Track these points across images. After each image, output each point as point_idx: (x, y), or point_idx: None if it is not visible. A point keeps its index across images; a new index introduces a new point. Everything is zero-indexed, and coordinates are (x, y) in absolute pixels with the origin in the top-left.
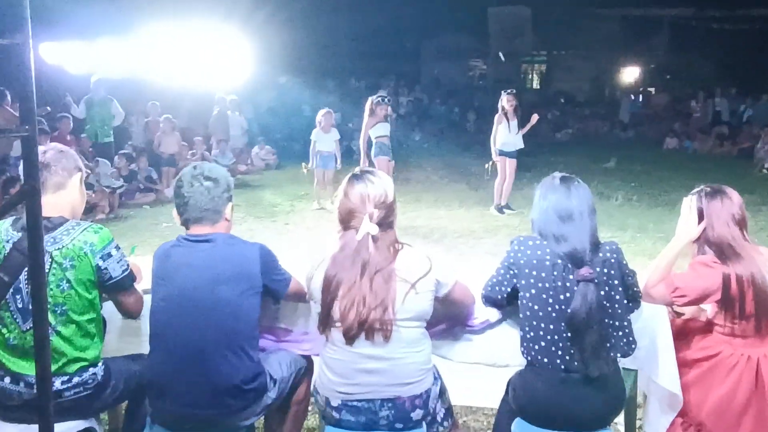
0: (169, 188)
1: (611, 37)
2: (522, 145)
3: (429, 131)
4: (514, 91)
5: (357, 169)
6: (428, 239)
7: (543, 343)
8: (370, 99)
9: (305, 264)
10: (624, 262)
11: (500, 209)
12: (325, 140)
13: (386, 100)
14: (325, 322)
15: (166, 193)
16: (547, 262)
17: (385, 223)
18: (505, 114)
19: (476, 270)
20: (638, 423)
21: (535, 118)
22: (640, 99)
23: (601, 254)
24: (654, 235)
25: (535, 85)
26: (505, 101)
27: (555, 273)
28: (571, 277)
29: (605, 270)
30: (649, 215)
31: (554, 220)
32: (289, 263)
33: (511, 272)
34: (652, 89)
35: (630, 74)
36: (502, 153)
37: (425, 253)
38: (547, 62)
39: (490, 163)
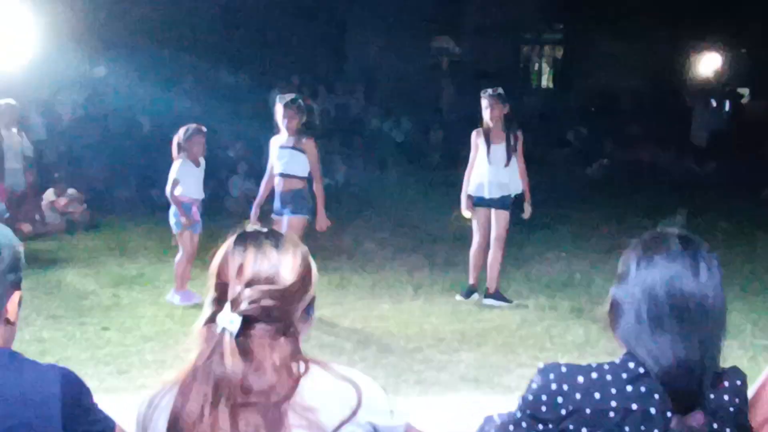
0: None
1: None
2: (519, 188)
3: (360, 162)
4: (500, 90)
5: (251, 225)
6: (360, 353)
7: None
8: (280, 102)
9: (140, 401)
10: (745, 413)
11: (469, 293)
12: (194, 179)
13: (294, 101)
14: None
15: None
16: (612, 414)
17: (271, 320)
18: (486, 132)
19: (445, 408)
20: None
21: (527, 211)
22: (727, 107)
23: (726, 390)
24: (755, 343)
25: (546, 81)
26: (484, 107)
27: (626, 429)
28: None
29: (719, 429)
30: (746, 308)
31: (666, 315)
32: (110, 406)
33: (540, 428)
34: (745, 90)
35: (708, 64)
36: (480, 202)
37: (351, 378)
38: (565, 44)
39: (453, 217)
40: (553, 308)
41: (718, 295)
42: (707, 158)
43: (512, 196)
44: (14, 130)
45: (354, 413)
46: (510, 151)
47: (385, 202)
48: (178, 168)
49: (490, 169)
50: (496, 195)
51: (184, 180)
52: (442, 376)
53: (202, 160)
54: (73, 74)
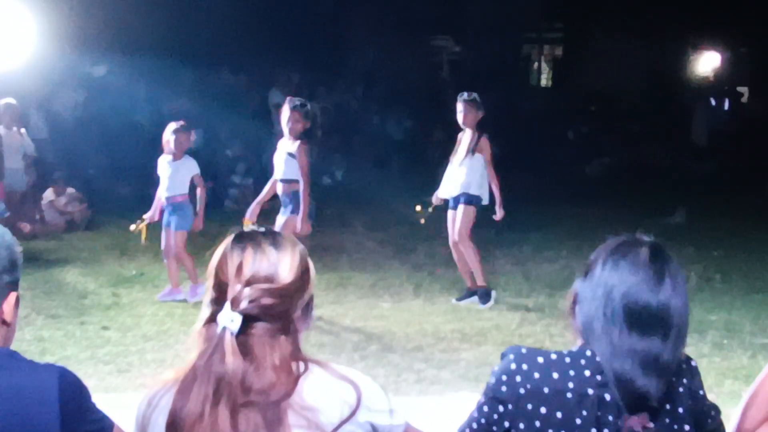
0: None
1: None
2: (476, 190)
3: (360, 163)
4: (475, 95)
5: (250, 226)
6: (360, 352)
7: None
8: (288, 105)
9: (138, 401)
10: (701, 393)
11: (468, 296)
12: (174, 175)
13: (302, 105)
14: None
15: None
16: (569, 395)
17: (270, 319)
18: (459, 136)
19: (446, 406)
20: None
21: (500, 214)
22: (726, 106)
23: (674, 382)
24: (753, 342)
25: (545, 80)
26: (458, 112)
27: (584, 413)
28: (618, 422)
29: (671, 409)
30: (745, 307)
31: (620, 320)
32: (109, 405)
33: (501, 410)
34: (744, 89)
35: (708, 64)
36: (447, 205)
37: (351, 378)
38: (564, 43)
39: (430, 208)
40: (552, 307)
41: (682, 311)
42: (707, 157)
43: (471, 194)
44: (14, 129)
45: (353, 413)
46: (467, 152)
47: (386, 201)
48: (160, 164)
49: (451, 170)
50: (453, 194)
51: (165, 176)
52: (443, 374)
53: (186, 158)
54: (73, 73)
